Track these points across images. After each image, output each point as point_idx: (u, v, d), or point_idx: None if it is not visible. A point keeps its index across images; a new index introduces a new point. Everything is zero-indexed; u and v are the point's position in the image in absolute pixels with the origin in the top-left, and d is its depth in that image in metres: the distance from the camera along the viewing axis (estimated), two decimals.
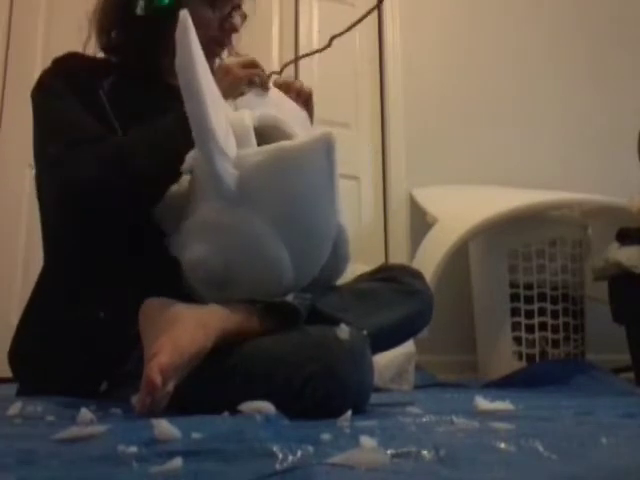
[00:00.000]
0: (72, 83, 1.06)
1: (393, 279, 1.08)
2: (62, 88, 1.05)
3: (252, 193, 0.88)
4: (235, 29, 1.14)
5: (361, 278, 1.10)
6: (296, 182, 0.89)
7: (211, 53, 1.12)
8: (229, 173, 0.88)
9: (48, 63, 1.12)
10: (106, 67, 1.12)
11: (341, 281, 1.06)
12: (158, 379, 0.71)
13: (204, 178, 0.92)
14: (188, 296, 0.93)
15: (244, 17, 1.17)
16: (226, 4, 1.13)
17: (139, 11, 1.07)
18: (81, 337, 0.99)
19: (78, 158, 0.96)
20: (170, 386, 0.74)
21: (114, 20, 1.12)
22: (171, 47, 1.10)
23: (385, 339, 1.02)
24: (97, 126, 1.01)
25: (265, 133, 0.99)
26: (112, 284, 1.01)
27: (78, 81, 1.06)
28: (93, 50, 1.17)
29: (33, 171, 1.07)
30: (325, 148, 0.89)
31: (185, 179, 1.00)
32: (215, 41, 1.14)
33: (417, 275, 1.14)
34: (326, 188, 0.92)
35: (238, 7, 1.15)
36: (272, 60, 2.58)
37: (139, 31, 1.10)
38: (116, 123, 1.04)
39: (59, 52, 1.14)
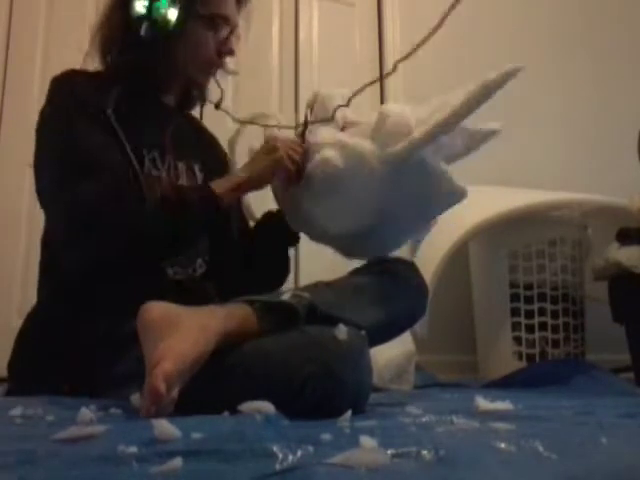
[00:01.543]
0: (83, 106, 1.06)
1: (387, 272, 1.09)
2: (75, 113, 1.05)
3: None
4: (232, 53, 1.18)
5: (356, 272, 1.11)
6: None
7: (207, 73, 1.19)
8: None
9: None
10: (107, 82, 1.12)
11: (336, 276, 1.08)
12: (162, 387, 0.71)
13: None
14: (185, 296, 0.93)
15: (238, 38, 1.21)
16: (224, 28, 1.17)
17: (143, 32, 1.09)
18: (78, 338, 0.99)
19: (108, 228, 0.98)
20: (174, 392, 0.74)
21: (117, 40, 1.14)
22: (172, 67, 1.13)
23: (382, 333, 1.02)
24: (118, 160, 1.03)
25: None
26: (110, 283, 1.01)
27: (88, 103, 1.07)
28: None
29: (33, 184, 1.07)
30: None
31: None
32: (212, 62, 1.18)
33: (411, 267, 1.15)
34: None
35: (234, 30, 1.19)
36: (272, 60, 2.58)
37: (143, 52, 1.11)
38: (127, 144, 1.05)
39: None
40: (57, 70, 1.12)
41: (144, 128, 1.11)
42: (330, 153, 1.02)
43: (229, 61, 1.23)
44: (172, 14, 1.09)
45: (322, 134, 1.08)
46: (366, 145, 1.01)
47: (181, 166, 1.16)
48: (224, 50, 1.17)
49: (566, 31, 2.80)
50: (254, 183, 1.07)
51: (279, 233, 1.22)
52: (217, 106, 1.22)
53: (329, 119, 1.12)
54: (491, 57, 2.72)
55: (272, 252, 1.25)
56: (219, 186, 1.04)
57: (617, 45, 2.80)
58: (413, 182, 1.03)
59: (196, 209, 1.02)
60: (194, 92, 1.25)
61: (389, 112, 1.03)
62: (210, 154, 1.27)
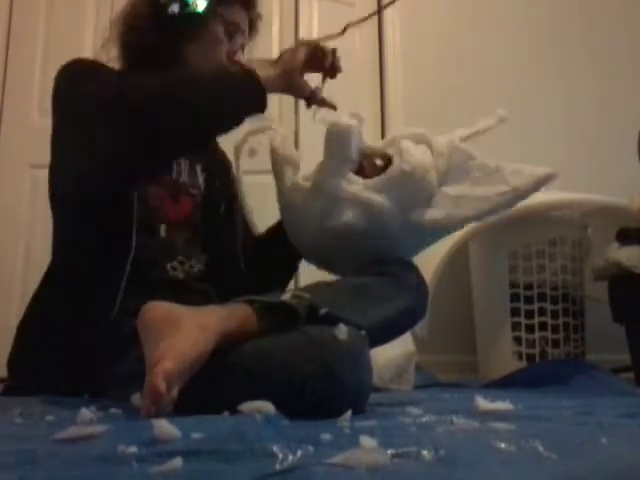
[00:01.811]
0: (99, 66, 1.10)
1: (388, 273, 1.08)
2: (94, 67, 1.09)
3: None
4: (239, 64, 1.20)
5: (357, 272, 1.11)
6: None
7: None
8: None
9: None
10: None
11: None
12: (162, 386, 0.71)
13: None
14: (185, 296, 0.93)
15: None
16: (238, 39, 1.21)
17: (174, 9, 1.12)
18: (78, 338, 0.99)
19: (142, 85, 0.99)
20: (174, 392, 0.74)
21: (145, 19, 1.15)
22: (184, 62, 1.14)
23: (382, 334, 1.02)
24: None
25: None
26: (110, 283, 1.01)
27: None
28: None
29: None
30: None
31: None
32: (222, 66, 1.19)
33: (412, 268, 1.15)
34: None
35: (244, 47, 1.24)
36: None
37: (169, 30, 1.13)
38: None
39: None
40: (57, 70, 1.12)
41: None
42: (352, 217, 1.07)
43: None
44: (202, 1, 1.13)
45: (350, 186, 1.09)
46: (393, 209, 1.08)
47: (183, 162, 1.16)
48: (234, 59, 1.19)
49: (566, 31, 2.79)
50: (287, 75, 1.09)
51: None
52: None
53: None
54: (491, 57, 2.72)
55: (284, 260, 1.26)
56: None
57: (617, 45, 2.80)
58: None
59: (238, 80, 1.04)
60: None
61: (411, 169, 1.11)
62: (213, 158, 1.27)
